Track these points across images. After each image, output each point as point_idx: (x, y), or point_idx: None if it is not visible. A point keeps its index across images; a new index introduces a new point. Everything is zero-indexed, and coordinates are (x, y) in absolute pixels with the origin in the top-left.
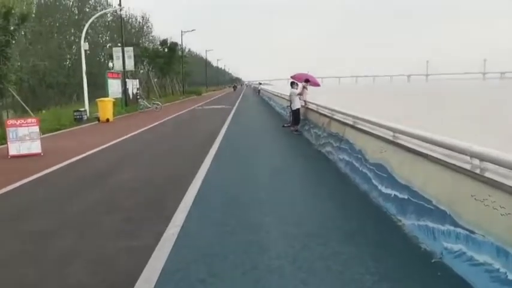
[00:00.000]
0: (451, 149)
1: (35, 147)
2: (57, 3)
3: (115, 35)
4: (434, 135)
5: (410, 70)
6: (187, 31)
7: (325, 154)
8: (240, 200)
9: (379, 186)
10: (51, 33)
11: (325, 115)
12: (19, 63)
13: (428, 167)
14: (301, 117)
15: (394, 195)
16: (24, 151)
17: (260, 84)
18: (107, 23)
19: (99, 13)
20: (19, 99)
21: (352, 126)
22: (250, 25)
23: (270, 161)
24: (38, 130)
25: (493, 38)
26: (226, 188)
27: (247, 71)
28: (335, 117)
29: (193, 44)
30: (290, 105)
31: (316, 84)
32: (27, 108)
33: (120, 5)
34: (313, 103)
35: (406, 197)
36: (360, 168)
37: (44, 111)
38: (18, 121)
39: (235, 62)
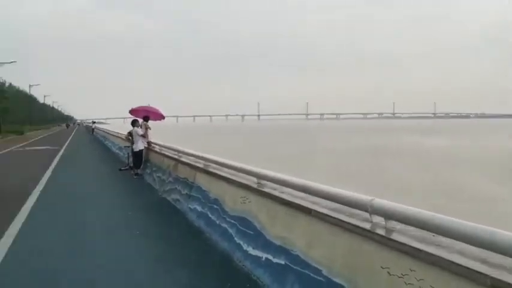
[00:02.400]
0: (342, 202)
1: None
2: None
3: None
4: (314, 183)
5: (244, 111)
6: (5, 62)
7: (172, 203)
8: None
9: (245, 246)
10: None
11: (170, 157)
12: None
13: (314, 225)
14: (143, 159)
15: (267, 259)
16: None
17: (94, 123)
18: None
19: None
20: None
21: (205, 171)
22: (82, 62)
23: (102, 215)
24: None
25: (313, 85)
26: (38, 265)
27: (80, 109)
28: (183, 159)
29: (16, 79)
30: (131, 146)
31: (160, 117)
32: None
33: None
34: (156, 143)
35: (283, 262)
36: (218, 222)
37: None
38: None
39: (67, 99)
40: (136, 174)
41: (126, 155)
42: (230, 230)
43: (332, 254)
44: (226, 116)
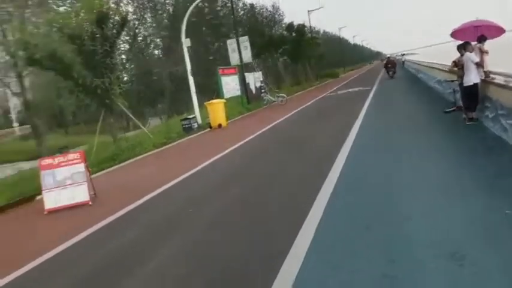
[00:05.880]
0: None
1: (81, 194)
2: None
3: (246, 29)
4: None
5: None
6: (314, 9)
7: None
8: None
9: None
10: (156, 36)
11: None
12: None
13: None
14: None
15: None
16: (64, 202)
17: (403, 55)
18: (237, 18)
19: (196, 2)
20: (128, 113)
21: None
22: None
23: (432, 202)
24: (83, 169)
25: None
26: None
27: (385, 43)
28: None
29: (324, 24)
30: (459, 79)
31: (500, 31)
32: (138, 123)
33: None
34: (501, 73)
35: None
36: None
37: (162, 122)
38: (56, 159)
39: (372, 35)
40: (471, 119)
41: (451, 91)
42: None
43: None
44: None
